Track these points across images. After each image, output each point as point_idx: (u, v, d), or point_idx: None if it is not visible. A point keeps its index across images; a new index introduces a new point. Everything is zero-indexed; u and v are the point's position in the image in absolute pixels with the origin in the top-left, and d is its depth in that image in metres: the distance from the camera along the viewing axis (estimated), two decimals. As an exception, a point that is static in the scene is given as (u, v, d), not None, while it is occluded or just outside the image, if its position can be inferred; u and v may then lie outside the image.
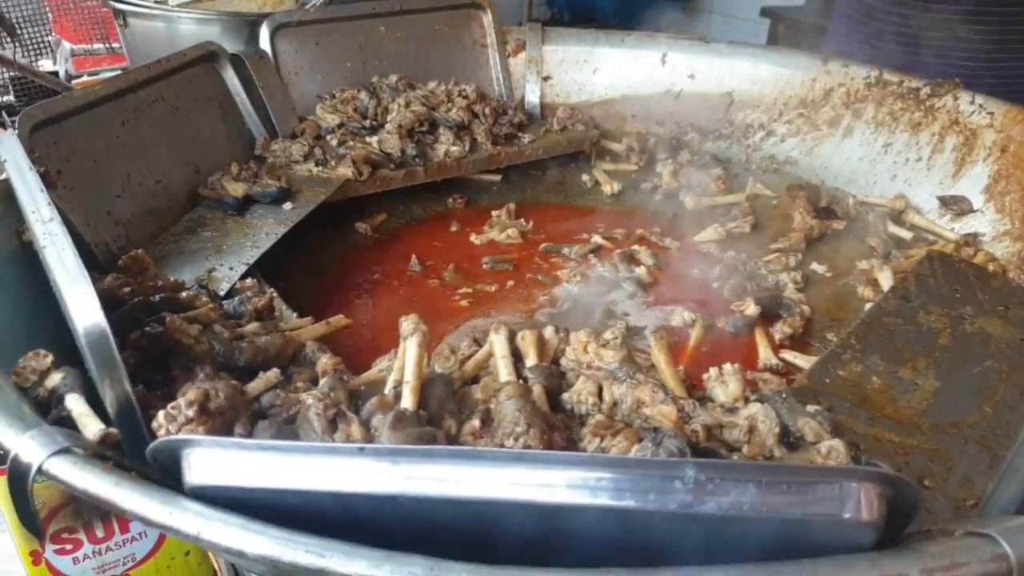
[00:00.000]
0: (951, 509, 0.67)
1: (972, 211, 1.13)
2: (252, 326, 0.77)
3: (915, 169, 1.20)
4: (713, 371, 0.71)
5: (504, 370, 0.68)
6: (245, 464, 0.48)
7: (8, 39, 1.43)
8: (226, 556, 0.51)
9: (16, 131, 0.79)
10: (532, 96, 1.36)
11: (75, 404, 0.60)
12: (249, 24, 1.21)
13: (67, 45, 1.67)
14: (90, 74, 1.76)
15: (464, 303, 1.00)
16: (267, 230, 1.00)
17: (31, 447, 0.51)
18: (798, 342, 0.94)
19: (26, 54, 1.66)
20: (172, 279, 0.82)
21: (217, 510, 0.47)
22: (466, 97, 1.23)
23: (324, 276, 1.06)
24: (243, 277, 0.90)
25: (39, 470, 0.50)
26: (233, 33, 1.20)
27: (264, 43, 1.19)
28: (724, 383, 0.69)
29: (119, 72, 1.16)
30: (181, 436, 0.48)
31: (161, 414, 0.54)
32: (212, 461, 0.49)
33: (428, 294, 1.02)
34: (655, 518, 0.47)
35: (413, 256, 1.08)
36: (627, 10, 2.17)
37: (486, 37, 1.35)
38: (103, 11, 1.75)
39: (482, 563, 0.44)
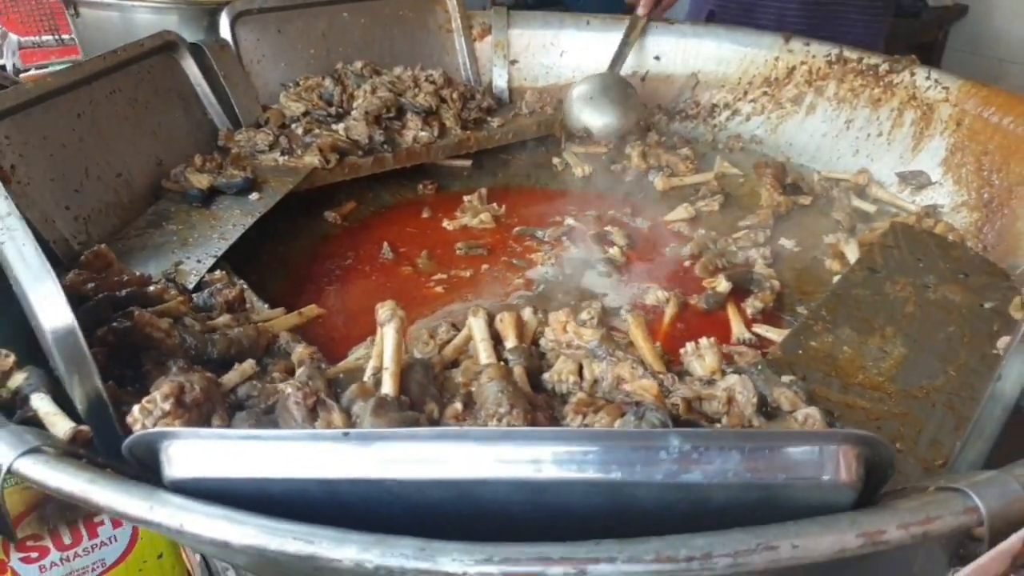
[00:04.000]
0: (921, 470, 0.69)
1: (931, 184, 1.15)
2: (223, 318, 0.76)
3: (876, 144, 1.22)
4: (689, 346, 0.72)
5: (484, 352, 0.68)
6: (227, 454, 0.47)
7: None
8: (210, 549, 0.50)
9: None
10: (500, 80, 1.35)
11: (41, 403, 0.58)
12: (208, 13, 1.19)
13: (14, 38, 1.62)
14: (38, 67, 1.71)
15: (439, 289, 1.00)
16: (234, 221, 0.98)
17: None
18: (770, 316, 0.96)
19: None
20: (138, 274, 0.80)
21: (199, 502, 0.46)
22: (433, 82, 1.22)
23: (294, 267, 1.04)
24: (211, 270, 0.88)
25: (8, 471, 0.49)
26: (191, 22, 1.18)
27: (224, 32, 1.16)
28: (701, 357, 0.70)
29: (70, 64, 1.12)
30: (159, 429, 0.47)
31: (136, 408, 0.53)
32: (192, 453, 0.48)
33: (402, 281, 1.02)
34: (642, 489, 0.47)
35: (385, 243, 1.07)
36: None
37: (451, 21, 1.34)
38: (52, 2, 1.70)
39: (473, 541, 0.44)
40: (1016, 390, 0.59)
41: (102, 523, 0.92)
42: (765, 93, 1.32)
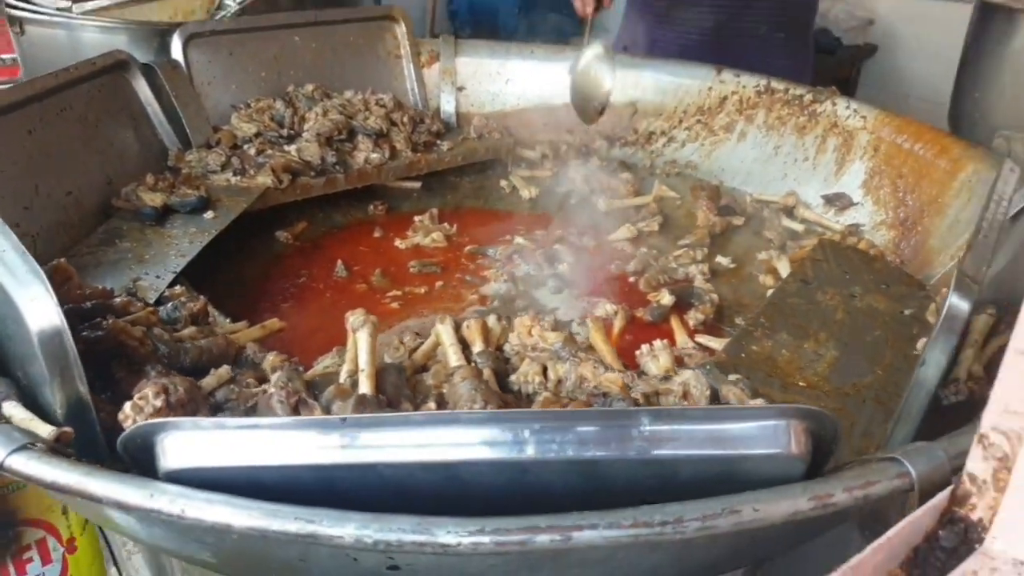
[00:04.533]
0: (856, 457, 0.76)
1: (853, 205, 1.26)
2: (189, 330, 0.78)
3: (803, 168, 1.33)
4: (644, 347, 0.78)
5: (454, 356, 0.72)
6: (224, 444, 0.50)
7: None
8: (208, 536, 0.52)
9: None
10: (447, 106, 1.41)
11: (15, 410, 0.59)
12: (159, 34, 1.20)
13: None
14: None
15: (395, 305, 1.03)
16: (190, 239, 1.00)
17: (-8, 446, 0.50)
18: (710, 327, 1.03)
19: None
20: (100, 287, 0.81)
21: (197, 490, 0.48)
22: (383, 106, 1.26)
23: (249, 285, 1.06)
24: (171, 285, 0.90)
25: (1, 467, 0.50)
26: (142, 43, 1.19)
27: (176, 53, 1.18)
28: (655, 357, 0.76)
29: (22, 81, 1.12)
30: (159, 420, 0.49)
31: (128, 405, 0.55)
32: (190, 443, 0.50)
33: (357, 298, 1.05)
34: (617, 466, 0.52)
35: (339, 261, 1.10)
36: (528, 28, 2.27)
37: (399, 48, 1.39)
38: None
39: (465, 516, 0.48)
40: (936, 375, 0.67)
41: (31, 560, 0.91)
42: (699, 121, 1.41)
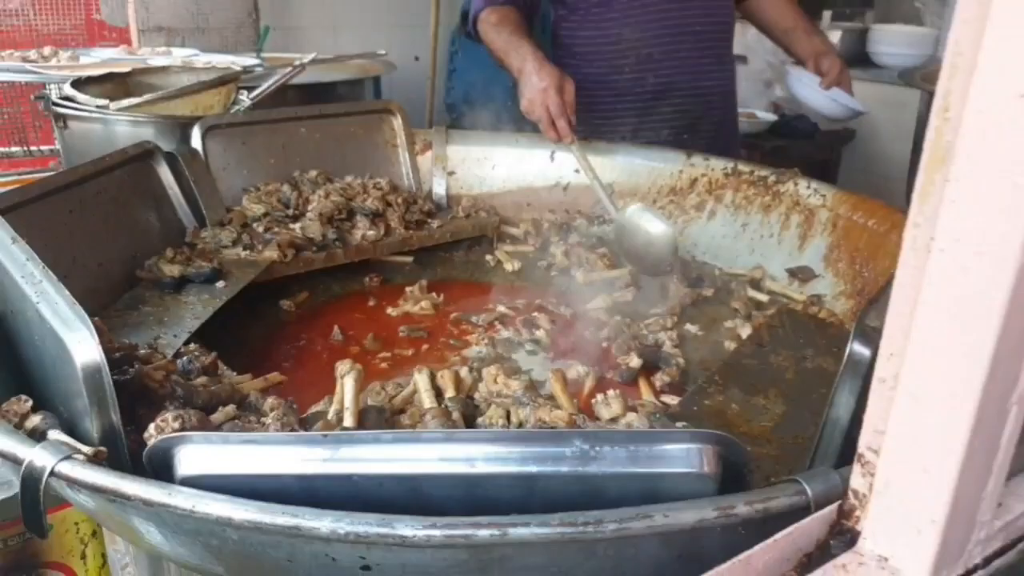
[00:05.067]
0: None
1: (815, 277, 1.38)
2: (201, 379, 0.90)
3: (768, 244, 1.46)
4: (599, 396, 0.89)
5: (427, 400, 0.84)
6: (228, 455, 0.62)
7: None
8: (213, 535, 0.63)
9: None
10: (439, 188, 1.57)
11: (59, 435, 0.71)
12: (181, 126, 1.37)
13: (-22, 148, 1.78)
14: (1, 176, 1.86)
15: (384, 365, 1.15)
16: (203, 304, 1.13)
17: (43, 455, 0.62)
18: (676, 388, 1.13)
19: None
20: (126, 342, 0.94)
21: (205, 491, 0.60)
22: (380, 188, 1.42)
23: (253, 347, 1.19)
24: (186, 343, 1.03)
25: (52, 472, 0.62)
26: (166, 134, 1.36)
27: (196, 143, 1.35)
28: (608, 404, 0.87)
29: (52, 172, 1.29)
30: (178, 434, 0.61)
31: (152, 426, 0.67)
32: (201, 454, 0.62)
33: (350, 358, 1.17)
34: (552, 481, 0.63)
35: (336, 327, 1.23)
36: (518, 117, 2.48)
37: (396, 138, 1.56)
38: (23, 116, 1.87)
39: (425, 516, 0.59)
40: (846, 415, 0.78)
41: None
42: (672, 201, 1.56)
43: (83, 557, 1.12)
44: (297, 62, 1.56)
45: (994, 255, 0.44)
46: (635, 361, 1.16)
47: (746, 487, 0.67)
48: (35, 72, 1.70)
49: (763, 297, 1.38)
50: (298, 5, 3.08)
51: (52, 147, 1.89)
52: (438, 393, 0.87)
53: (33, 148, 1.90)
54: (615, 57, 1.63)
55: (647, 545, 0.63)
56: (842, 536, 0.60)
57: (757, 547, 0.55)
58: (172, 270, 1.18)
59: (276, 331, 1.24)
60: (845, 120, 1.57)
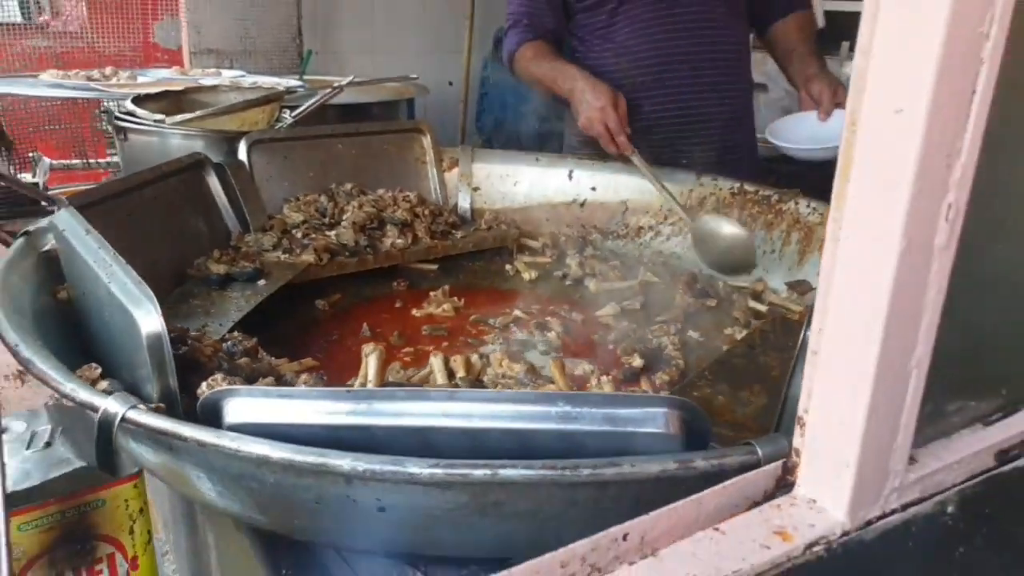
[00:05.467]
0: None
1: (812, 290, 1.49)
2: (243, 360, 1.05)
3: (770, 259, 1.58)
4: (594, 381, 1.01)
5: (441, 379, 0.97)
6: (268, 406, 0.75)
7: (5, 152, 1.71)
8: (253, 476, 0.76)
9: (63, 209, 1.07)
10: (464, 203, 1.71)
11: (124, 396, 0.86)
12: (229, 140, 1.54)
13: (46, 160, 1.97)
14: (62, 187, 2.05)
15: (407, 359, 1.28)
16: (246, 299, 1.28)
17: (115, 404, 0.76)
18: (674, 387, 1.25)
19: (13, 167, 1.95)
20: (179, 327, 1.09)
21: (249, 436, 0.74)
22: (409, 201, 1.56)
23: (290, 339, 1.32)
24: (230, 331, 1.17)
25: (123, 418, 0.76)
26: (216, 147, 1.52)
27: (242, 155, 1.51)
28: (600, 386, 0.99)
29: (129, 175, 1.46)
30: (227, 387, 0.75)
31: (204, 384, 0.81)
32: (245, 405, 0.75)
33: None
34: (539, 436, 0.75)
35: (364, 324, 1.37)
36: (543, 138, 2.65)
37: (425, 155, 1.71)
38: (83, 130, 2.07)
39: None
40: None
41: (101, 572, 1.15)
42: (681, 218, 1.68)
43: (131, 532, 1.26)
44: (336, 84, 1.72)
45: (882, 242, 0.56)
46: (637, 361, 1.28)
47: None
48: (98, 90, 1.90)
49: (762, 307, 1.48)
50: (339, 30, 3.30)
51: (108, 160, 2.08)
52: (451, 375, 1.00)
53: (91, 160, 2.09)
54: (619, 87, 1.77)
55: (620, 495, 0.75)
56: (786, 489, 0.72)
57: (708, 490, 0.67)
58: (219, 268, 1.34)
59: (311, 327, 1.38)
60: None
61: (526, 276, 1.59)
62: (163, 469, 0.86)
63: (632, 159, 1.63)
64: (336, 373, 1.19)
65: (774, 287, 1.54)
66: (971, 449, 0.73)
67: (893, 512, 0.67)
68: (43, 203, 1.40)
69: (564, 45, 1.92)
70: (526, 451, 0.76)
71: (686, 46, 1.81)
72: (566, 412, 0.75)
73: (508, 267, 1.63)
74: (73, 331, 1.09)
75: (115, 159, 2.11)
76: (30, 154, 1.97)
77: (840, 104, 1.69)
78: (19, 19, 3.09)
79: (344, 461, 0.70)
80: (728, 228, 1.53)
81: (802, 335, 0.85)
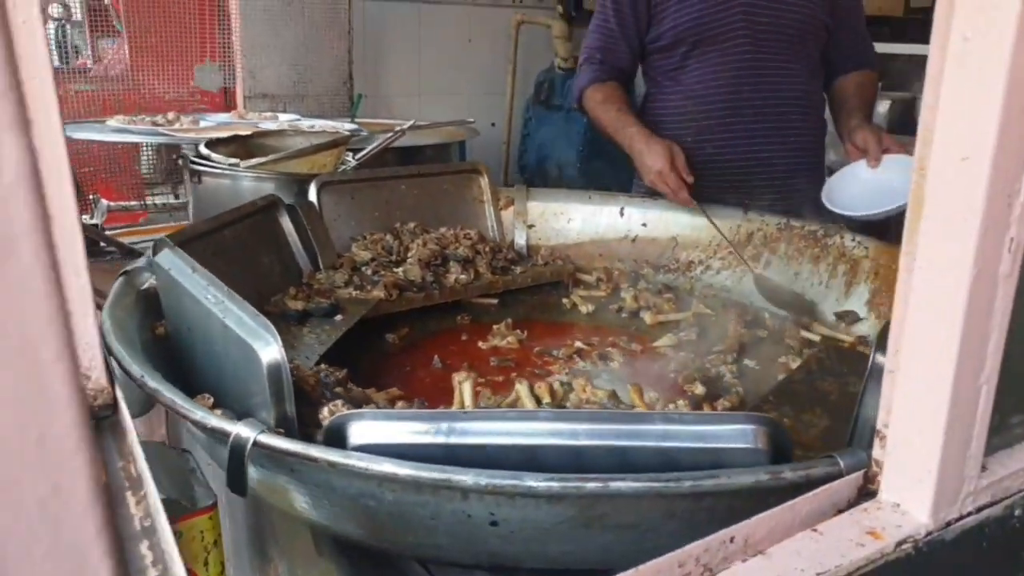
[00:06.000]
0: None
1: (859, 320, 1.58)
2: (339, 389, 1.15)
3: (818, 290, 1.67)
4: (671, 405, 1.11)
5: (529, 404, 1.07)
6: (390, 428, 0.85)
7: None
8: (372, 495, 0.86)
9: (167, 248, 1.18)
10: (520, 239, 1.83)
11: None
12: (298, 182, 1.66)
13: (104, 202, 2.10)
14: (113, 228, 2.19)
15: (479, 390, 1.39)
16: (326, 333, 1.39)
17: (246, 429, 0.86)
18: (735, 413, 1.35)
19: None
20: (278, 359, 1.19)
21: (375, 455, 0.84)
22: (470, 239, 1.68)
23: (366, 374, 1.43)
24: (316, 364, 1.28)
25: (255, 442, 0.86)
26: (287, 188, 1.65)
27: (312, 196, 1.63)
28: (678, 408, 1.09)
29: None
30: (352, 411, 0.85)
31: (325, 409, 0.92)
32: (368, 427, 0.86)
33: (450, 383, 1.41)
34: (638, 453, 0.85)
35: (435, 356, 1.47)
36: (586, 176, 2.78)
37: (483, 195, 1.83)
38: (138, 173, 2.21)
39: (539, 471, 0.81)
40: (874, 412, 0.98)
41: None
42: (731, 252, 1.79)
43: (205, 564, 1.35)
44: (398, 128, 1.85)
45: (954, 273, 0.67)
46: (699, 389, 1.37)
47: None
48: (168, 135, 2.04)
49: (815, 337, 1.58)
50: (387, 75, 3.48)
51: (167, 200, 2.21)
52: (536, 401, 1.10)
53: (148, 202, 2.23)
54: (686, 129, 1.88)
55: (714, 505, 0.84)
56: (868, 497, 0.81)
57: (800, 498, 0.76)
58: (296, 305, 1.45)
59: (384, 360, 1.49)
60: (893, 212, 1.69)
61: (583, 309, 1.69)
62: (276, 492, 0.96)
63: (697, 212, 1.74)
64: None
65: (822, 318, 1.63)
66: (1035, 460, 0.83)
67: (969, 515, 0.77)
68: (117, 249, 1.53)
69: (631, 89, 2.05)
70: (626, 467, 0.85)
71: (752, 92, 1.94)
72: (663, 430, 0.85)
73: (565, 300, 1.73)
74: (170, 364, 1.20)
75: (168, 200, 2.24)
76: (89, 196, 2.10)
77: (888, 150, 1.78)
78: (56, 63, 3.26)
79: (467, 477, 0.80)
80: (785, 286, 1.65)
81: (871, 360, 0.94)
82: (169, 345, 1.23)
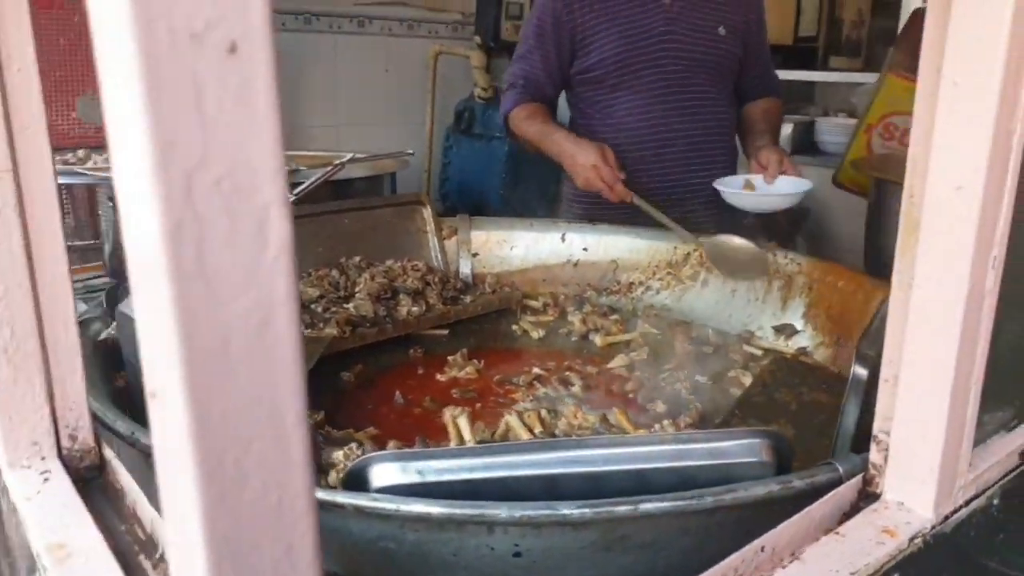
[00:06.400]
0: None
1: (797, 332, 1.71)
2: (320, 432, 1.15)
3: (755, 306, 1.79)
4: (656, 426, 1.17)
5: (524, 435, 1.10)
6: (411, 468, 0.87)
7: None
8: (395, 536, 0.87)
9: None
10: (465, 268, 1.86)
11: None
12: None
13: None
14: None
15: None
16: (288, 376, 1.37)
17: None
18: (696, 428, 1.42)
19: None
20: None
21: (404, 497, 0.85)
22: (419, 270, 1.70)
23: (328, 414, 1.42)
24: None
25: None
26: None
27: (255, 235, 1.61)
28: (663, 428, 1.15)
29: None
30: (372, 454, 0.86)
31: (340, 453, 0.92)
32: (389, 469, 0.87)
33: (417, 417, 1.42)
34: (654, 473, 0.90)
35: (397, 392, 1.48)
36: (508, 204, 2.85)
37: (426, 225, 1.85)
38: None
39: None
40: (852, 424, 1.07)
41: None
42: (669, 273, 1.88)
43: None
44: (336, 162, 1.85)
45: (951, 289, 0.75)
46: (661, 407, 1.45)
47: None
48: (86, 174, 1.91)
49: (756, 351, 1.69)
50: (304, 106, 3.43)
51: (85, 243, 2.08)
52: (528, 431, 1.14)
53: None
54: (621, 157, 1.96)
55: (725, 519, 0.90)
56: (867, 499, 0.89)
57: (815, 503, 0.83)
58: (252, 348, 1.43)
59: (343, 399, 1.48)
60: (790, 205, 1.91)
61: (534, 335, 1.74)
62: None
63: (634, 201, 1.82)
64: (390, 438, 1.30)
65: (761, 333, 1.74)
66: (1004, 451, 0.93)
67: (961, 507, 0.86)
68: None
69: (556, 110, 2.13)
70: (643, 488, 0.90)
71: (680, 122, 2.05)
72: (678, 450, 0.90)
73: (515, 327, 1.77)
74: (136, 417, 1.17)
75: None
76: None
77: (785, 172, 1.93)
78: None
79: (500, 511, 0.82)
80: (737, 242, 1.76)
81: (852, 372, 1.03)
82: (134, 398, 1.19)
